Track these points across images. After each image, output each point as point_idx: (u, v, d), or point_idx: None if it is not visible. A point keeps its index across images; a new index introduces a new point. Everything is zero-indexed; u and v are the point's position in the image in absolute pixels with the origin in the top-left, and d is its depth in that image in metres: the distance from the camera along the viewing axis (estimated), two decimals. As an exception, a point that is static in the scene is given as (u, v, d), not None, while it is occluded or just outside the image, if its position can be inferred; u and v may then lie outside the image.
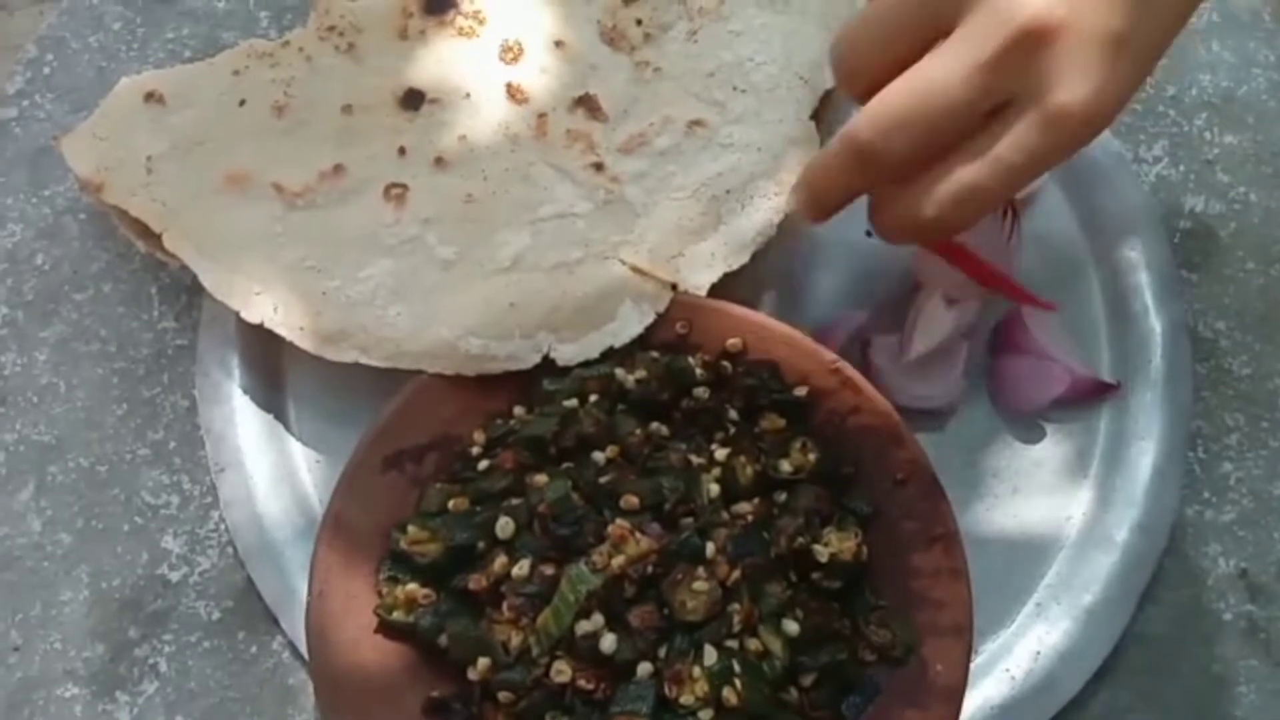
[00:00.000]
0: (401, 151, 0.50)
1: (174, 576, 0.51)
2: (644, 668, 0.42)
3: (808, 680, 0.44)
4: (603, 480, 0.45)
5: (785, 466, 0.46)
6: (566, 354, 0.48)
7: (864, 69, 0.41)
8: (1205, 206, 0.56)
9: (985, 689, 0.48)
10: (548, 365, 0.48)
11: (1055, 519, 0.51)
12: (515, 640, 0.43)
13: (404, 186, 0.50)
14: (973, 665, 0.46)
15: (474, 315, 0.48)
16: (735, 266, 0.49)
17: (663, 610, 0.43)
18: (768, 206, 0.50)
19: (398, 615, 0.45)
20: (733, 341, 0.48)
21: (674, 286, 0.49)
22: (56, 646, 0.50)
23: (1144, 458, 0.51)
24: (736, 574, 0.43)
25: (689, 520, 0.45)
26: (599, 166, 0.50)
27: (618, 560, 0.43)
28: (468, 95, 0.51)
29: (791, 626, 0.43)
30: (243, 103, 0.51)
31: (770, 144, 0.51)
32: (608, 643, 0.42)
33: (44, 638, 0.50)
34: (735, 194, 0.50)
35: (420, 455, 0.47)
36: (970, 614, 0.45)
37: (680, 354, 0.48)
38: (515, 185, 0.50)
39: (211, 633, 0.50)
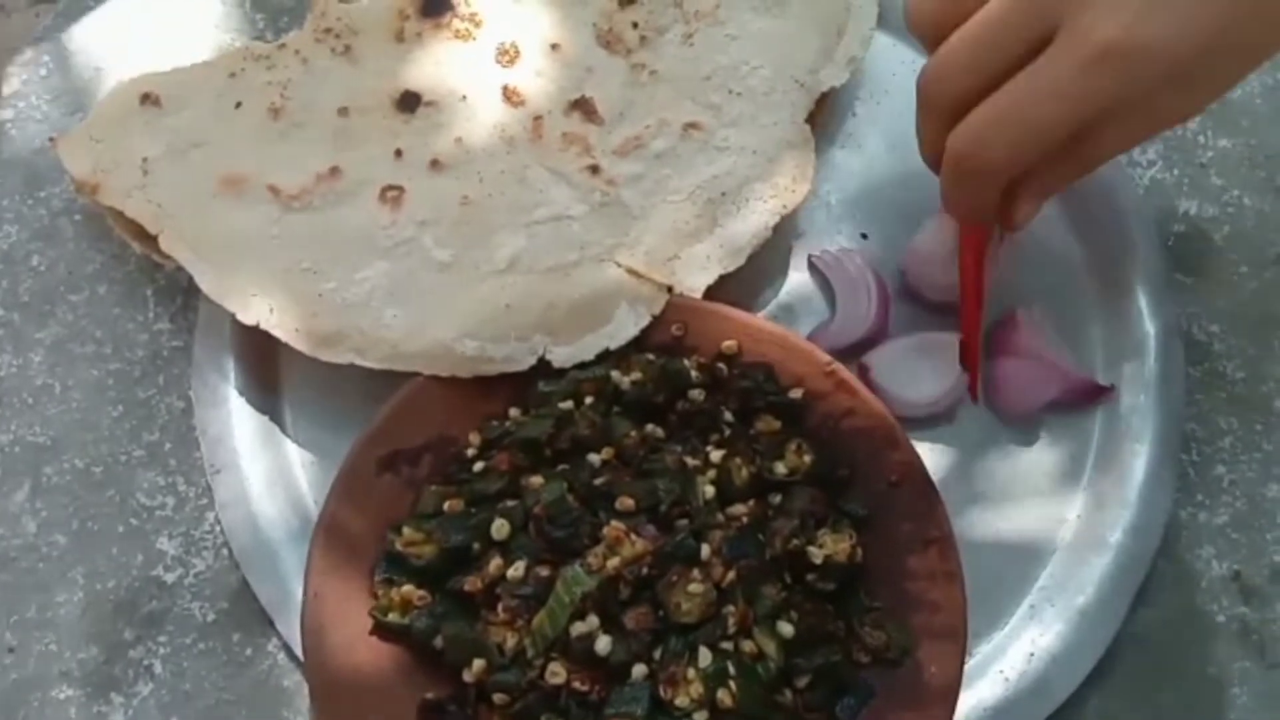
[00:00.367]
0: (398, 154, 0.50)
1: (169, 578, 0.51)
2: (639, 669, 0.42)
3: (802, 682, 0.44)
4: (598, 482, 0.45)
5: (780, 468, 0.46)
6: (562, 356, 0.48)
7: (931, 20, 0.44)
8: (1199, 210, 0.57)
9: (979, 691, 0.48)
10: (543, 367, 0.48)
11: (1049, 521, 0.51)
12: (510, 642, 0.43)
13: (400, 189, 0.50)
14: (967, 667, 0.46)
15: (470, 317, 0.48)
16: (731, 269, 0.50)
17: (658, 612, 0.43)
18: (763, 209, 0.50)
19: (393, 617, 0.45)
20: (728, 344, 0.48)
21: (669, 289, 0.49)
22: (51, 648, 0.50)
23: (1137, 460, 0.51)
24: (731, 576, 0.43)
25: (684, 522, 0.45)
26: (595, 169, 0.50)
27: (613, 562, 0.43)
28: (464, 98, 0.51)
29: (786, 628, 0.43)
30: (239, 105, 0.51)
31: (765, 147, 0.51)
32: (603, 644, 0.42)
33: (39, 639, 0.50)
34: (731, 197, 0.50)
35: (416, 457, 0.47)
36: (964, 616, 0.45)
37: (676, 356, 0.48)
38: (511, 188, 0.50)
39: (206, 634, 0.50)
